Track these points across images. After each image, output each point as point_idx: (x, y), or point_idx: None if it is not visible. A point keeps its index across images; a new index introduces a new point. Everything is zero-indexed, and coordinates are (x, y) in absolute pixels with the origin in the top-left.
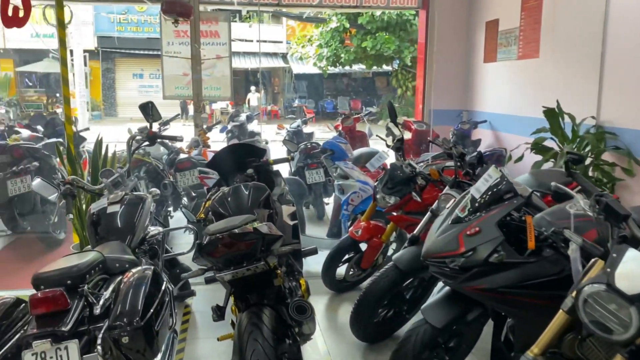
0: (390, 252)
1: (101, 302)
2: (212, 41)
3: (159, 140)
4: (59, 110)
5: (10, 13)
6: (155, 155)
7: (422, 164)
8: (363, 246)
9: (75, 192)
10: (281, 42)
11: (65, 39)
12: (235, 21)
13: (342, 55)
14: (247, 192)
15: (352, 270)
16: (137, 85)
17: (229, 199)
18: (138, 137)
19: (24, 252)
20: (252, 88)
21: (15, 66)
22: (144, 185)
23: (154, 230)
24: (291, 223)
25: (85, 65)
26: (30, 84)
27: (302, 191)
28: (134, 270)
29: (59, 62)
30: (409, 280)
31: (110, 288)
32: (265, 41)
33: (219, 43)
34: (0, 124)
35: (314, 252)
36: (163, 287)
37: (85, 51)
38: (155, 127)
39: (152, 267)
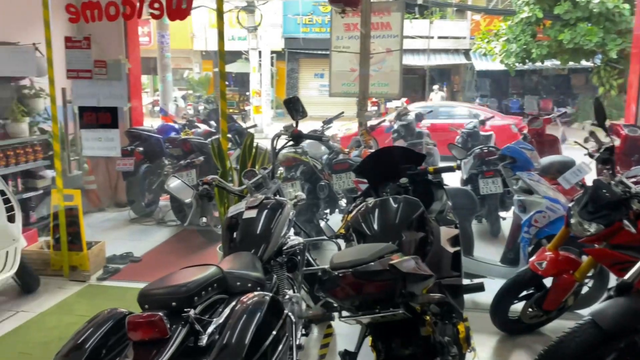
0: (584, 290)
1: (209, 330)
2: (382, 34)
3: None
4: (248, 108)
5: (174, 6)
6: (314, 155)
7: (633, 179)
8: (547, 281)
9: (212, 194)
10: (464, 37)
11: (223, 33)
12: (417, 17)
13: (534, 50)
14: (395, 207)
15: (530, 309)
16: (318, 85)
17: (374, 214)
18: (283, 136)
19: (185, 245)
20: (435, 87)
21: (214, 67)
22: (299, 185)
23: (294, 239)
24: (451, 250)
25: (272, 65)
26: (228, 82)
27: (471, 204)
28: (251, 295)
29: (249, 63)
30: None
31: (224, 314)
32: (446, 37)
33: (390, 35)
34: (182, 118)
35: (479, 289)
36: (283, 317)
37: (272, 52)
38: (319, 125)
39: (271, 295)
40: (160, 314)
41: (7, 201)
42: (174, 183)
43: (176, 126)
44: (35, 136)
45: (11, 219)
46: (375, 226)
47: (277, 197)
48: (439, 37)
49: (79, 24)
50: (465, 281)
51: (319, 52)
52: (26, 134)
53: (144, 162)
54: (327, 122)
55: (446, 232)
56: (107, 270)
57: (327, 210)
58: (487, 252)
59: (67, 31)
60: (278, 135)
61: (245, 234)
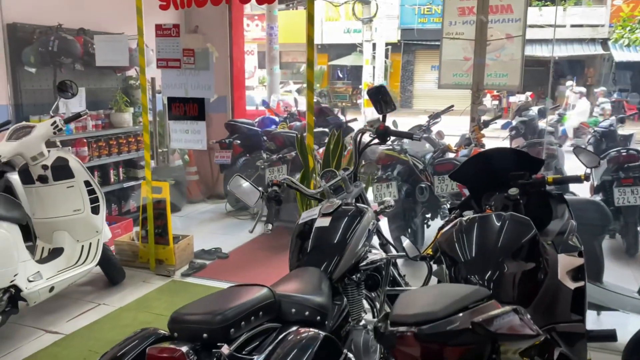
0: None
1: None
2: (502, 18)
3: (393, 137)
4: (360, 101)
5: None
6: (415, 153)
7: None
8: None
9: (281, 197)
10: (602, 25)
11: (313, 17)
12: (547, 4)
13: None
14: (499, 227)
15: None
16: (434, 77)
17: (469, 235)
18: (367, 132)
19: (277, 243)
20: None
21: (329, 60)
22: (395, 187)
23: (375, 254)
24: (572, 286)
25: (387, 57)
26: (341, 76)
27: (602, 220)
28: (301, 331)
29: (362, 56)
30: None
31: (266, 351)
32: (581, 25)
33: (511, 20)
34: (285, 111)
35: (609, 338)
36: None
37: (387, 44)
38: (424, 121)
39: (325, 334)
40: (185, 349)
41: (92, 192)
42: (237, 183)
43: (276, 119)
44: (138, 126)
45: (95, 210)
46: (470, 251)
47: (359, 203)
48: (572, 26)
49: (187, 14)
50: (589, 322)
51: (437, 43)
52: (129, 124)
53: (242, 154)
54: (434, 116)
55: (566, 262)
56: (192, 266)
57: (429, 215)
58: (621, 278)
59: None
60: (362, 132)
61: (315, 245)
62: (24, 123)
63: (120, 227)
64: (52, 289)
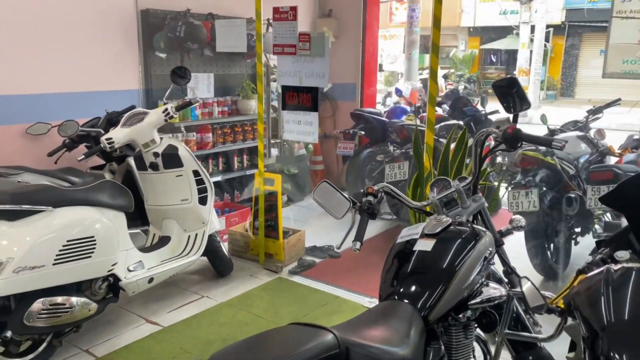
0: None
1: None
2: None
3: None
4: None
5: None
6: (567, 155)
7: None
8: None
9: (376, 210)
10: None
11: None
12: None
13: None
14: None
15: None
16: (601, 64)
17: (623, 292)
18: (494, 135)
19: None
20: None
21: (481, 43)
22: (536, 195)
23: (494, 289)
24: None
25: (547, 41)
26: (494, 60)
27: None
28: None
29: (519, 39)
30: None
31: None
32: None
33: None
34: (418, 100)
35: None
36: None
37: (548, 26)
38: (582, 114)
39: None
40: None
41: (200, 182)
42: (324, 191)
43: (408, 109)
44: (264, 114)
45: (203, 201)
46: (620, 316)
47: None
48: None
49: None
50: None
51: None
52: (256, 112)
53: (367, 146)
54: (595, 111)
55: None
56: (301, 263)
57: (578, 229)
58: None
59: (310, 4)
60: (486, 135)
61: (413, 273)
62: (139, 109)
63: (237, 215)
64: (151, 280)
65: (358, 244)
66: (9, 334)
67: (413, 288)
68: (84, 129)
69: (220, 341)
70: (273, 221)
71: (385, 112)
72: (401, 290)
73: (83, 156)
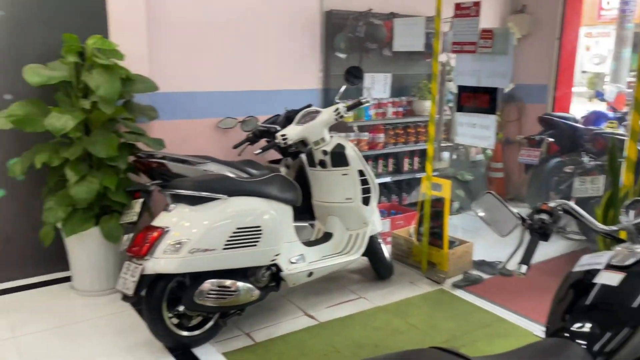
0: None
1: None
2: None
3: None
4: None
5: None
6: None
7: None
8: None
9: (550, 230)
10: None
11: None
12: None
13: None
14: None
15: None
16: None
17: None
18: None
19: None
20: None
21: None
22: None
23: None
24: None
25: None
26: None
27: None
28: None
29: None
30: None
31: None
32: None
33: None
34: (625, 105)
35: None
36: None
37: None
38: None
39: None
40: None
41: (365, 182)
42: (488, 204)
43: (610, 114)
44: (438, 116)
45: (366, 201)
46: None
47: None
48: None
49: None
50: None
51: None
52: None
53: (555, 155)
54: None
55: None
56: (467, 277)
57: None
58: None
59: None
60: None
61: (592, 309)
62: (313, 108)
63: (403, 219)
64: (310, 274)
65: (524, 268)
66: (182, 308)
67: (589, 327)
68: (263, 125)
69: (372, 346)
70: (439, 229)
71: (582, 117)
72: (574, 327)
73: (260, 150)
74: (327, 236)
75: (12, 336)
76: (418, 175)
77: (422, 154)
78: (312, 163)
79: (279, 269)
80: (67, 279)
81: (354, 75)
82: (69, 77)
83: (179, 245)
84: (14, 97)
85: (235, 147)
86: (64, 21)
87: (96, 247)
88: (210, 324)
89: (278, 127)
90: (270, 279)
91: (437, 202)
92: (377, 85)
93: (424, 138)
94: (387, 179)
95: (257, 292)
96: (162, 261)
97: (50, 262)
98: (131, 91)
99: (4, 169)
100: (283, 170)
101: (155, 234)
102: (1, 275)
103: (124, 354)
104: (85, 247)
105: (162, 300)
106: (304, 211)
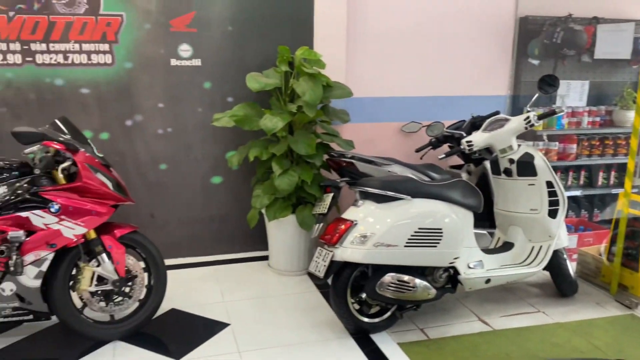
0: None
1: None
2: None
3: None
4: None
5: None
6: None
7: None
8: None
9: None
10: None
11: None
12: None
13: None
14: None
15: None
16: None
17: None
18: None
19: None
20: None
21: None
22: None
23: None
24: None
25: None
26: None
27: None
28: None
29: None
30: None
31: None
32: None
33: None
34: None
35: None
36: None
37: None
38: None
39: None
40: None
41: (553, 194)
42: None
43: None
44: None
45: (553, 214)
46: None
47: None
48: None
49: None
50: None
51: None
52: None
53: None
54: None
55: None
56: None
57: None
58: None
59: None
60: None
61: None
62: (501, 115)
63: (592, 236)
64: (488, 280)
65: None
66: (364, 295)
67: None
68: (448, 131)
69: None
70: (634, 250)
71: None
72: None
73: (444, 155)
74: (507, 246)
75: (222, 300)
76: (614, 191)
77: (620, 168)
78: (496, 171)
79: (456, 272)
80: (265, 258)
81: (548, 83)
82: (280, 84)
83: (365, 238)
84: (234, 99)
85: (418, 150)
86: (277, 34)
87: (291, 232)
88: (388, 314)
89: (463, 133)
90: (447, 280)
91: (635, 222)
92: (572, 93)
93: (624, 151)
94: (577, 193)
95: (433, 291)
96: (349, 250)
97: (253, 241)
98: (330, 97)
99: (223, 159)
100: (464, 176)
101: (344, 225)
102: (216, 248)
103: (311, 328)
104: (282, 232)
105: (347, 286)
106: (484, 218)
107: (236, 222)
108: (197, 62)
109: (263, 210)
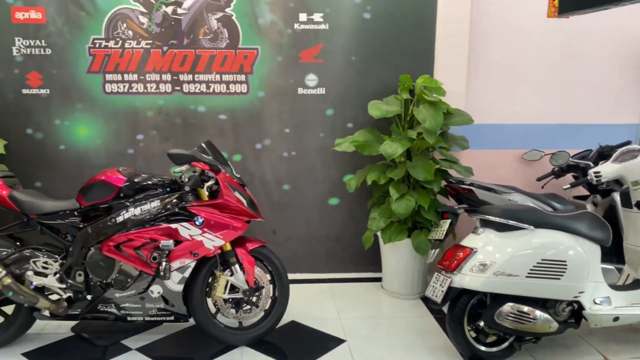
0: None
1: None
2: None
3: None
4: None
5: None
6: None
7: None
8: None
9: None
10: None
11: None
12: None
13: None
14: None
15: None
16: None
17: None
18: None
19: None
20: None
21: None
22: None
23: None
24: None
25: None
26: None
27: None
28: None
29: None
30: None
31: None
32: None
33: None
34: None
35: None
36: None
37: None
38: None
39: None
40: None
41: None
42: None
43: None
44: None
45: None
46: None
47: None
48: None
49: None
50: None
51: None
52: None
53: None
54: None
55: None
56: None
57: None
58: None
59: None
60: None
61: None
62: (634, 146)
63: None
64: (616, 318)
65: None
66: (481, 324)
67: None
68: (574, 160)
69: None
70: None
71: None
72: None
73: (569, 185)
74: (637, 283)
75: (337, 317)
76: None
77: None
78: (627, 204)
79: (581, 307)
80: (377, 279)
81: None
82: (400, 111)
83: (484, 266)
84: (354, 125)
85: (539, 179)
86: (398, 63)
87: (406, 256)
88: (505, 344)
89: (590, 163)
90: (570, 315)
91: None
92: None
93: None
94: None
95: (555, 325)
96: (468, 277)
97: (366, 262)
98: (449, 124)
99: (340, 182)
100: (590, 207)
101: (464, 252)
102: (331, 266)
103: (425, 352)
104: (397, 255)
105: (464, 313)
106: (612, 253)
107: (351, 242)
108: (321, 90)
109: (378, 233)
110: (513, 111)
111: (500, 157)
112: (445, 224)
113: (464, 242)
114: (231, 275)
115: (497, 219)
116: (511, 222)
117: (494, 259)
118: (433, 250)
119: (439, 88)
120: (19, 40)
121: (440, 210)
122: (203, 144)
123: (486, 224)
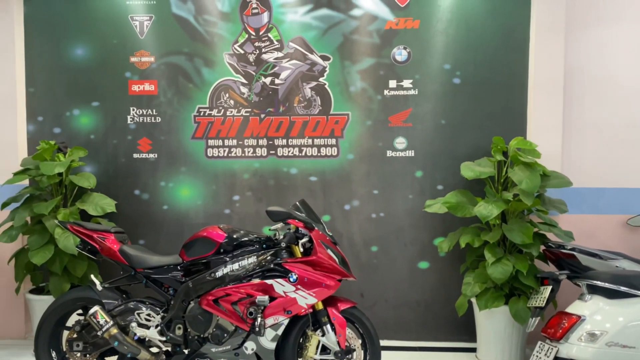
0: None
1: None
2: None
3: None
4: None
5: None
6: None
7: None
8: None
9: None
10: None
11: None
12: None
13: None
14: None
15: None
16: None
17: None
18: None
19: None
20: None
21: None
22: None
23: None
24: None
25: None
26: None
27: None
28: None
29: None
30: None
31: None
32: None
33: None
34: None
35: None
36: None
37: None
38: None
39: None
40: None
41: None
42: None
43: None
44: None
45: None
46: None
47: None
48: None
49: None
50: None
51: None
52: None
53: None
54: None
55: None
56: None
57: None
58: None
59: None
60: None
61: None
62: None
63: None
64: None
65: None
66: None
67: None
68: None
69: None
70: None
71: None
72: None
73: None
74: None
75: None
76: None
77: None
78: None
79: None
80: (470, 349)
81: None
82: (494, 173)
83: (594, 336)
84: (444, 187)
85: None
86: (489, 125)
87: (503, 324)
88: None
89: None
90: None
91: None
92: None
93: None
94: None
95: None
96: (576, 347)
97: (458, 331)
98: (547, 186)
99: (430, 245)
100: None
101: (570, 320)
102: (421, 334)
103: None
104: (494, 323)
105: None
106: None
107: (442, 309)
108: (410, 153)
109: (473, 299)
110: (614, 173)
111: (602, 222)
112: (546, 291)
113: (569, 309)
114: (322, 336)
115: (607, 285)
116: (622, 289)
117: (605, 328)
118: (533, 318)
119: (533, 150)
120: (133, 109)
121: (540, 276)
122: (297, 203)
123: (594, 290)
